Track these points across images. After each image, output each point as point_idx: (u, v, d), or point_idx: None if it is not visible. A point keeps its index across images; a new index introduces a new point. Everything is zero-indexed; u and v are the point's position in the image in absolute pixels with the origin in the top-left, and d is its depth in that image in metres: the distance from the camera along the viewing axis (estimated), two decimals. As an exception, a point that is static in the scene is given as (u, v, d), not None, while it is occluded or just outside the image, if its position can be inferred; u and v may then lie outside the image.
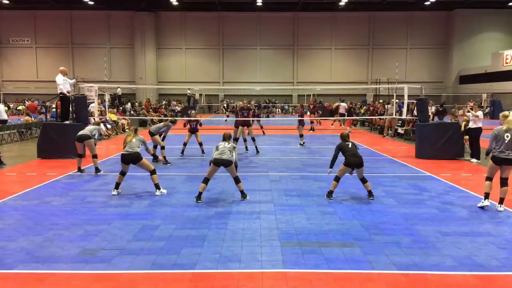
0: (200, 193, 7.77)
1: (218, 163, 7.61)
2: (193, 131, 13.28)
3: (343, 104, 29.50)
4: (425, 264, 4.96)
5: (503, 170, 7.20)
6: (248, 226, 6.31)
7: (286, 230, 6.15)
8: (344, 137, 8.14)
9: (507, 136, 7.04)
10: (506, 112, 7.44)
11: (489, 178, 7.32)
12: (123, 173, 8.31)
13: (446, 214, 7.03)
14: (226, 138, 8.01)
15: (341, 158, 8.00)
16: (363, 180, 7.95)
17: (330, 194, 8.01)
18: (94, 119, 14.25)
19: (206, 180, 7.79)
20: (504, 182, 7.20)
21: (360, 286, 4.44)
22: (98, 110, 17.17)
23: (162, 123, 12.40)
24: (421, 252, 5.32)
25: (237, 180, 7.85)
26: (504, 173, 7.22)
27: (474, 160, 12.39)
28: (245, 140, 13.94)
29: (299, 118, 17.02)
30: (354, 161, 7.76)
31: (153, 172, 8.27)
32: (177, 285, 4.43)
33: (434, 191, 8.64)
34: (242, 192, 7.91)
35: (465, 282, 4.54)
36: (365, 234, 6.00)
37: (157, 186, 8.30)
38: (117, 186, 8.31)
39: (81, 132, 10.51)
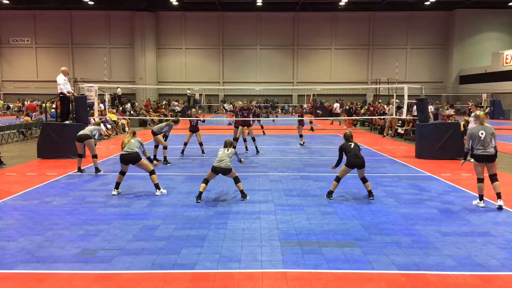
0: (200, 193, 7.78)
1: (216, 170, 7.70)
2: (194, 130, 13.28)
3: (337, 104, 29.91)
4: (425, 264, 4.96)
5: (488, 168, 7.40)
6: (248, 226, 6.31)
7: (286, 230, 6.15)
8: (348, 137, 8.11)
9: (482, 134, 7.33)
10: (477, 112, 7.78)
11: (480, 180, 7.47)
12: (122, 173, 8.32)
13: (446, 214, 7.03)
14: (226, 145, 8.05)
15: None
16: (364, 180, 7.95)
17: (330, 194, 8.00)
18: (94, 119, 14.25)
19: (206, 181, 7.84)
20: (493, 178, 7.36)
21: (360, 286, 4.43)
22: (98, 110, 17.18)
23: (164, 123, 12.39)
24: (421, 252, 5.32)
25: (236, 180, 7.87)
26: (490, 170, 7.39)
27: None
28: (245, 140, 13.94)
29: (299, 118, 17.02)
30: (355, 162, 7.75)
31: (152, 172, 8.27)
32: (177, 285, 4.43)
33: (434, 191, 8.64)
34: (242, 192, 7.91)
35: (465, 282, 4.53)
36: (365, 234, 6.00)
37: (157, 186, 8.30)
38: (117, 186, 8.32)
39: (81, 132, 10.51)
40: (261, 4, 39.63)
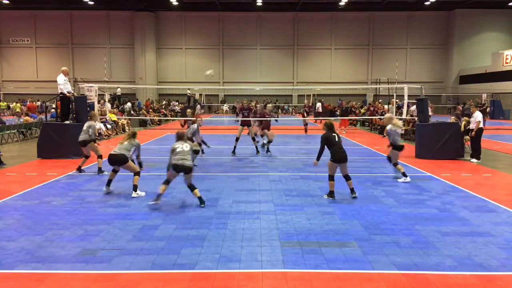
0: (160, 195, 7.31)
1: (178, 169, 7.22)
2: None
3: (319, 104, 30.26)
4: (425, 264, 4.96)
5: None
6: (248, 226, 6.31)
7: (286, 230, 6.14)
8: (329, 126, 7.78)
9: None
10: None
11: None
12: (115, 171, 8.28)
13: (446, 214, 7.02)
14: (180, 137, 7.52)
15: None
16: (347, 178, 7.86)
17: (331, 194, 7.93)
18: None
19: (167, 182, 7.42)
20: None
21: (360, 286, 4.43)
22: (99, 110, 17.17)
23: (195, 124, 11.69)
24: (421, 252, 5.32)
25: (192, 188, 7.36)
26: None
27: (474, 160, 12.39)
28: (253, 139, 13.77)
29: (262, 119, 15.42)
30: (341, 157, 7.61)
31: (137, 173, 8.17)
32: (177, 285, 4.43)
33: (434, 191, 8.63)
34: (200, 198, 7.36)
35: (465, 282, 4.53)
36: (365, 234, 6.00)
37: (135, 188, 8.11)
38: (108, 183, 8.29)
39: (80, 138, 10.33)
40: (261, 4, 39.63)
